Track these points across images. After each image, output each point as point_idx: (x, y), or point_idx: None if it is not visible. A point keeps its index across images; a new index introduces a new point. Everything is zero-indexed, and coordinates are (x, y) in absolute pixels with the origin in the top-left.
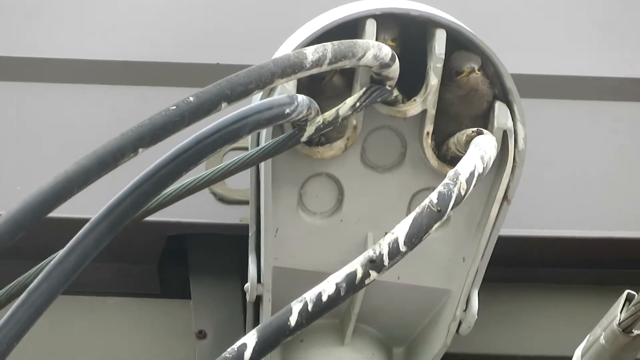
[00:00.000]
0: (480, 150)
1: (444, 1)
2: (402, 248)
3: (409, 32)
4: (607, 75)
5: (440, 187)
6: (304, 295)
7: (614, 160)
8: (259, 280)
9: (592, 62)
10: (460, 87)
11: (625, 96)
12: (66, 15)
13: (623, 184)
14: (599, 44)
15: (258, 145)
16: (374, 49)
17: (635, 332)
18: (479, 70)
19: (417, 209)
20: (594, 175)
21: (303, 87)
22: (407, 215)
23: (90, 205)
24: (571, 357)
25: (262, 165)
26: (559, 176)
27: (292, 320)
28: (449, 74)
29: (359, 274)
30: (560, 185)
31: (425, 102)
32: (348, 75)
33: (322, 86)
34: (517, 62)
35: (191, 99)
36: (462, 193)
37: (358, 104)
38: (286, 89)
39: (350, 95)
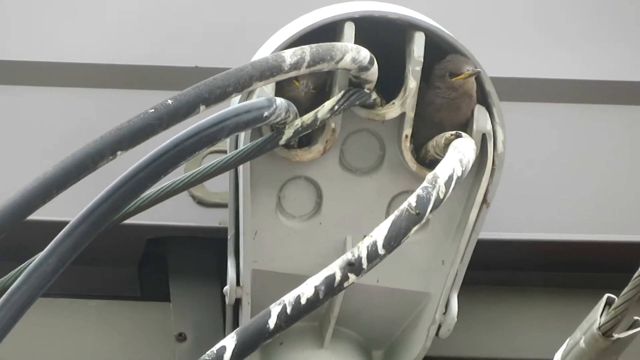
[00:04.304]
0: (459, 153)
1: (423, 5)
2: (381, 251)
3: (387, 35)
4: (585, 78)
5: (418, 191)
6: (283, 298)
7: (593, 163)
8: (238, 283)
9: (570, 65)
10: (453, 89)
11: (604, 99)
12: (45, 18)
13: (602, 186)
14: (576, 47)
15: (237, 148)
16: (352, 52)
17: (615, 335)
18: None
19: (396, 212)
20: (572, 178)
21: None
22: (385, 218)
23: (70, 207)
24: None
25: (240, 168)
26: (538, 179)
27: (271, 322)
28: (441, 77)
29: (338, 277)
30: (539, 188)
31: (403, 105)
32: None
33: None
34: (496, 65)
35: (169, 101)
36: (441, 196)
37: (337, 107)
38: (265, 92)
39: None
